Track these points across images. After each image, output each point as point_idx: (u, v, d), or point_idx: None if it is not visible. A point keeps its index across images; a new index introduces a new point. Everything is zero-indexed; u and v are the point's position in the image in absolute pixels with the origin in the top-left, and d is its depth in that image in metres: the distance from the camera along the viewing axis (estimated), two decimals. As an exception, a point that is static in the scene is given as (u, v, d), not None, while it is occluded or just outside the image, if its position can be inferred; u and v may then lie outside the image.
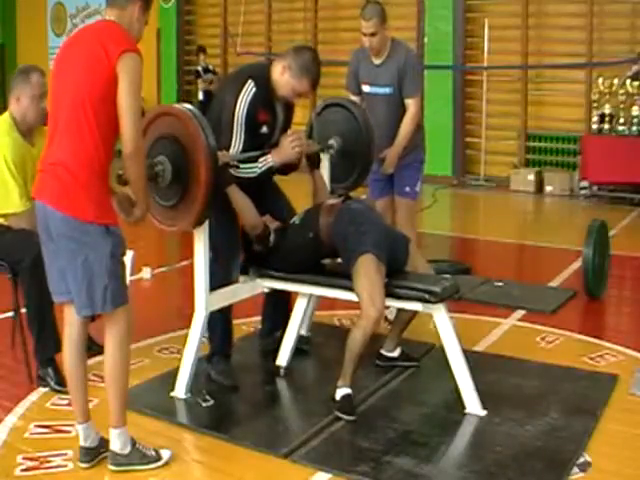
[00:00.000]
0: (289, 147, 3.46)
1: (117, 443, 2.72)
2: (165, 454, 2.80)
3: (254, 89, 3.39)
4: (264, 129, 3.47)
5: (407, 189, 4.41)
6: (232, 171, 3.34)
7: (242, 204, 3.36)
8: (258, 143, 3.44)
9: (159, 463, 2.77)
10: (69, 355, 2.74)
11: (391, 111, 4.24)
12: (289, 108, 3.64)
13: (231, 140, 3.37)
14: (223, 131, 3.31)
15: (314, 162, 3.74)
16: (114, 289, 2.62)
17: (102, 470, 2.74)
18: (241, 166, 3.39)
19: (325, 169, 3.92)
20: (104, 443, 2.77)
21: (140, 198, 2.68)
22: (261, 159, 3.45)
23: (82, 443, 2.75)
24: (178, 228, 3.18)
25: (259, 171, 3.43)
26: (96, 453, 2.75)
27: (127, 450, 2.72)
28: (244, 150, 3.39)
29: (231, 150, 3.36)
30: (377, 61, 4.30)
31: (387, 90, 4.27)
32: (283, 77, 3.44)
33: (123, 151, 2.55)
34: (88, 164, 2.55)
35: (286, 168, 3.59)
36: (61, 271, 2.64)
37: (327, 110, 4.10)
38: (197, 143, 2.96)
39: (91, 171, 2.56)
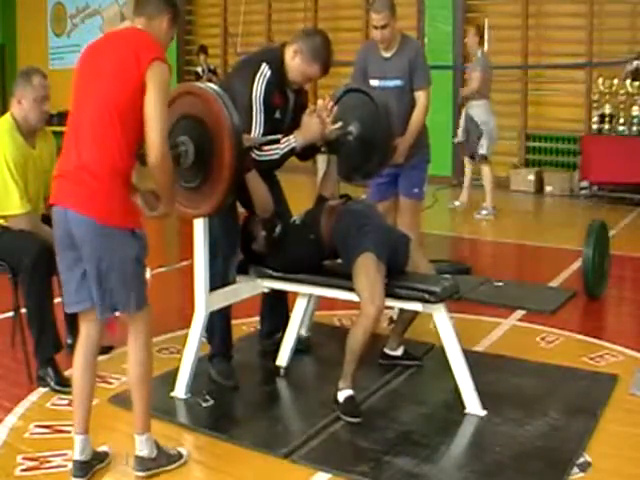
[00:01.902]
0: (313, 125, 3.42)
1: (145, 449, 2.70)
2: (183, 451, 2.82)
3: (269, 72, 3.37)
4: (277, 114, 3.45)
5: (415, 190, 4.43)
6: (253, 155, 3.30)
7: (256, 184, 3.34)
8: (271, 128, 3.39)
9: (182, 461, 2.78)
10: (82, 361, 2.69)
11: (402, 104, 4.21)
12: (299, 95, 3.60)
13: (250, 125, 3.32)
14: (240, 116, 3.17)
15: (333, 147, 3.72)
16: (138, 293, 2.61)
17: (101, 470, 2.74)
18: (264, 148, 3.36)
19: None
20: (97, 456, 2.73)
21: (166, 198, 2.64)
22: (283, 140, 3.40)
23: (77, 457, 2.67)
24: (200, 212, 3.09)
25: (281, 152, 3.39)
26: (90, 467, 2.69)
27: (154, 454, 2.71)
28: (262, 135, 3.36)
29: (252, 135, 3.32)
30: (387, 54, 4.30)
31: (398, 82, 4.26)
32: (294, 61, 3.42)
33: (148, 159, 2.50)
34: (113, 169, 2.51)
35: (306, 151, 3.56)
36: (81, 279, 2.59)
37: (346, 96, 3.97)
38: (221, 123, 2.89)
39: (116, 176, 2.52)
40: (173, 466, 2.75)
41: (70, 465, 2.73)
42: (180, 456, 2.80)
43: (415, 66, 4.25)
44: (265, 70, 3.37)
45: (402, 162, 4.26)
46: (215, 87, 3.03)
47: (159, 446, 2.75)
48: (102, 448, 2.80)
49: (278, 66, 3.43)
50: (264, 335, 3.95)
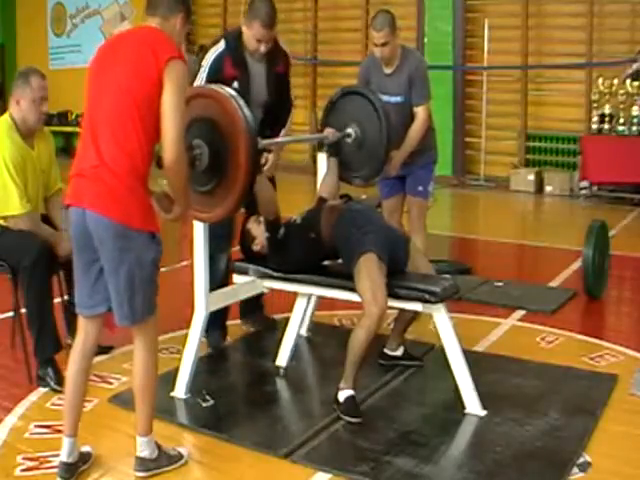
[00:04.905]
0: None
1: (146, 450, 2.69)
2: (184, 451, 2.82)
3: (223, 46, 3.71)
4: (235, 85, 3.57)
5: (420, 188, 4.48)
6: None
7: (264, 187, 3.34)
8: None
9: (182, 461, 2.78)
10: (79, 362, 2.66)
11: (402, 119, 4.22)
12: (272, 65, 3.80)
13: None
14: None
15: (332, 150, 3.79)
16: (152, 297, 2.59)
17: (101, 471, 2.74)
18: None
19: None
20: (82, 457, 2.71)
21: (181, 200, 2.61)
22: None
23: (64, 459, 2.65)
24: (214, 215, 3.04)
25: None
26: (76, 468, 2.68)
27: (155, 455, 2.71)
28: None
29: None
30: (388, 70, 4.31)
31: (398, 99, 4.27)
32: (245, 31, 3.68)
33: (164, 159, 2.46)
34: (133, 168, 2.47)
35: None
36: (95, 280, 2.57)
37: (344, 98, 3.99)
38: (237, 125, 2.84)
39: (136, 176, 2.48)
40: (174, 466, 2.75)
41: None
42: (180, 456, 2.80)
43: (414, 82, 4.25)
44: (221, 44, 3.73)
45: (394, 175, 4.28)
46: (229, 89, 3.02)
47: (160, 447, 2.74)
48: (85, 448, 2.77)
49: (236, 40, 3.72)
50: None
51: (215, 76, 3.57)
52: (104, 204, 2.47)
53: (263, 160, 3.87)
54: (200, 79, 3.67)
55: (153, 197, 2.63)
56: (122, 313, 2.56)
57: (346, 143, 3.89)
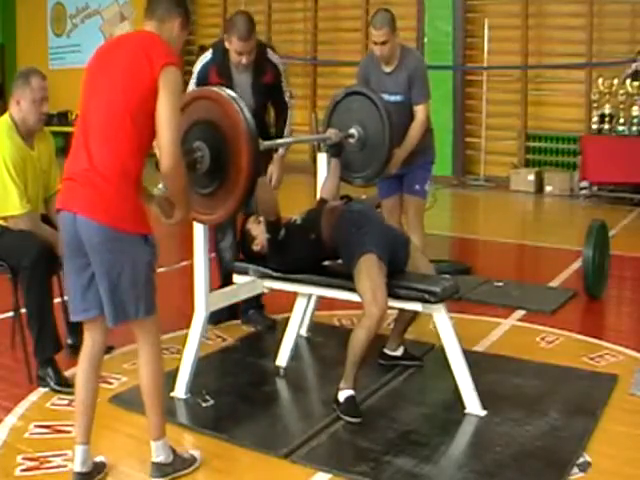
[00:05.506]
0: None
1: (162, 454, 2.67)
2: (196, 454, 2.80)
3: (210, 56, 3.95)
4: None
5: (417, 187, 4.49)
6: None
7: (265, 188, 3.35)
8: None
9: (196, 464, 2.76)
10: (86, 371, 2.63)
11: (402, 118, 4.23)
12: (259, 76, 3.94)
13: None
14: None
15: (334, 150, 3.82)
16: (148, 298, 2.57)
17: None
18: None
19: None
20: (97, 467, 2.67)
21: (181, 204, 2.61)
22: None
23: (78, 469, 2.59)
24: (216, 217, 3.04)
25: None
26: (91, 478, 2.63)
27: (170, 459, 2.69)
28: None
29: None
30: (387, 69, 4.31)
31: (397, 98, 4.27)
32: (228, 46, 3.84)
33: (160, 166, 2.46)
34: (125, 173, 2.46)
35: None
36: (87, 285, 2.54)
37: (348, 98, 4.01)
38: (238, 127, 2.84)
39: (128, 180, 2.47)
40: (189, 470, 2.72)
41: (70, 465, 2.70)
42: (194, 459, 2.77)
43: (414, 81, 4.26)
44: (208, 54, 3.95)
45: (394, 173, 4.28)
46: (230, 91, 3.02)
47: (174, 450, 2.71)
48: (99, 458, 2.73)
49: (222, 51, 3.89)
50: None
51: (202, 84, 3.73)
52: (94, 208, 2.45)
53: (267, 177, 3.95)
54: (190, 85, 3.83)
55: (154, 202, 2.64)
56: (113, 314, 2.54)
57: (349, 143, 3.89)
